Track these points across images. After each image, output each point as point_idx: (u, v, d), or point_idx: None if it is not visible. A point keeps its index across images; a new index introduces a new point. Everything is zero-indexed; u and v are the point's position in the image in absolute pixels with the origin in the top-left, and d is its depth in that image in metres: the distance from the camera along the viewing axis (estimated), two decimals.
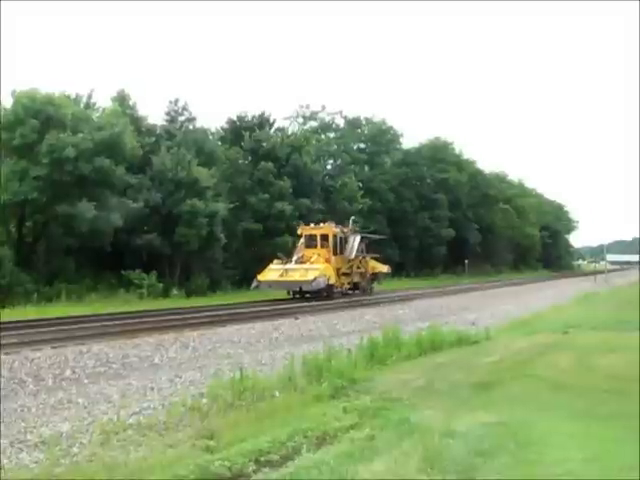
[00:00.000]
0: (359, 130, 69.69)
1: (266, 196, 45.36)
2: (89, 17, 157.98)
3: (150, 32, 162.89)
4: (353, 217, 39.66)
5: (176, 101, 46.14)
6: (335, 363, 11.97)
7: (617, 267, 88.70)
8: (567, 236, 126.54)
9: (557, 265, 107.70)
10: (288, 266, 31.48)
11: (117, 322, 19.66)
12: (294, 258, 32.37)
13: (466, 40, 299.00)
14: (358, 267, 35.83)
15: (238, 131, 50.74)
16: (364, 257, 36.69)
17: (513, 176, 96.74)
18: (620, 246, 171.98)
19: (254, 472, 6.97)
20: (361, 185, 58.30)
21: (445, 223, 67.37)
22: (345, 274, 34.59)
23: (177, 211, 36.46)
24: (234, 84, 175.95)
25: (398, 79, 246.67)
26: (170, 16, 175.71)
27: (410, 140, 76.84)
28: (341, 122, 69.37)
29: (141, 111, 42.42)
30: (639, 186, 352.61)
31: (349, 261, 34.89)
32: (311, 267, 30.95)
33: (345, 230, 35.81)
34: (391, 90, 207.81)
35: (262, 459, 7.30)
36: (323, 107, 68.23)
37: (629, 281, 61.33)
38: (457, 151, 76.58)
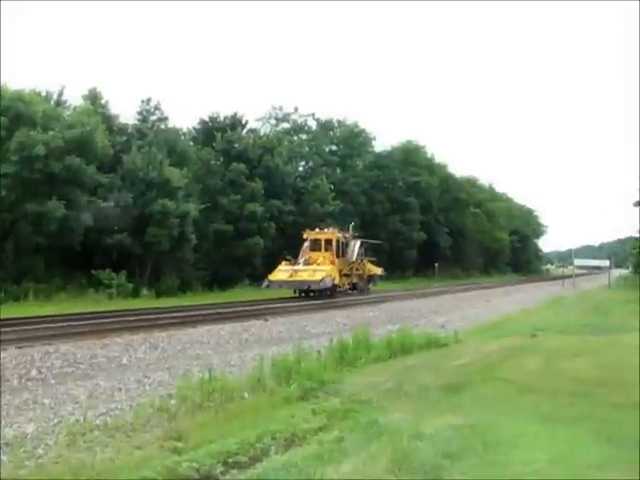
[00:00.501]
0: (331, 132, 69.69)
1: (238, 197, 45.32)
2: (60, 14, 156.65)
3: (123, 30, 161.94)
4: (352, 223, 42.42)
5: (148, 100, 45.94)
6: (304, 365, 11.98)
7: (585, 272, 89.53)
8: (536, 240, 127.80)
9: (526, 269, 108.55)
10: (296, 267, 34.35)
11: (86, 322, 19.48)
12: (301, 260, 35.54)
13: (437, 44, 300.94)
14: (357, 269, 39.15)
15: (210, 132, 50.63)
16: (362, 260, 39.92)
17: (484, 180, 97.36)
18: (588, 251, 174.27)
19: (222, 474, 6.96)
20: (333, 187, 58.47)
21: (416, 226, 67.61)
22: (346, 275, 37.67)
23: (148, 211, 36.23)
24: (207, 84, 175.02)
25: (371, 82, 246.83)
26: (143, 15, 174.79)
27: (382, 143, 76.92)
28: (313, 124, 69.43)
29: (113, 110, 42.06)
30: (606, 192, 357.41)
31: (350, 263, 38.19)
32: (318, 268, 33.94)
33: (346, 235, 39.12)
34: (364, 93, 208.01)
35: (230, 460, 7.29)
36: (296, 109, 68.25)
37: (596, 285, 62.07)
38: (429, 155, 76.88)
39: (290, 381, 11.16)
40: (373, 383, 11.43)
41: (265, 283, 34.19)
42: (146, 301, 31.05)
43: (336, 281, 34.67)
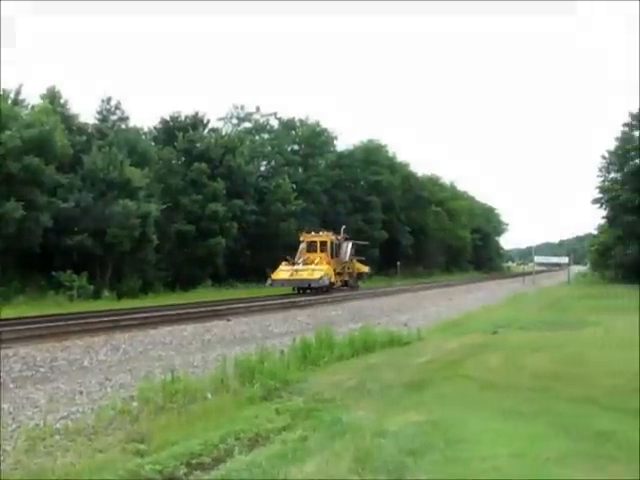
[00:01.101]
0: (293, 132, 69.58)
1: (199, 197, 45.16)
2: (17, 11, 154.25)
3: (82, 28, 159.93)
4: (344, 226, 46.21)
5: (108, 100, 45.28)
6: (268, 365, 11.95)
7: (545, 269, 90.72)
8: (497, 238, 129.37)
9: (487, 267, 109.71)
10: (296, 267, 37.82)
11: (46, 324, 19.17)
12: (299, 260, 39.01)
13: (397, 43, 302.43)
14: (348, 268, 43.16)
15: (171, 131, 50.34)
16: (352, 260, 44.20)
17: (445, 179, 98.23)
18: (548, 248, 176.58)
19: (185, 475, 6.92)
20: (295, 187, 58.40)
21: (378, 225, 67.78)
22: (339, 273, 41.33)
23: (109, 211, 35.77)
24: (168, 84, 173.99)
25: (332, 81, 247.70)
26: (103, 14, 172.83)
27: (344, 142, 77.12)
28: (275, 124, 69.31)
29: (72, 109, 41.48)
30: (566, 190, 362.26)
31: (342, 263, 42.14)
32: (317, 268, 37.41)
33: (339, 237, 43.02)
34: (325, 92, 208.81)
35: (194, 462, 7.26)
36: (257, 108, 68.10)
37: (556, 282, 62.89)
38: (390, 154, 77.12)
39: (253, 381, 11.12)
40: (336, 382, 11.46)
41: (269, 282, 37.63)
42: (107, 303, 30.67)
43: (332, 279, 38.44)
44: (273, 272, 38.02)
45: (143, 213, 37.14)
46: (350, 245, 43.78)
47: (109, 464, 7.05)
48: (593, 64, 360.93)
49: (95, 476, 6.62)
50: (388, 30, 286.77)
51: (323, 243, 40.90)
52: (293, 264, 38.40)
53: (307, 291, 37.06)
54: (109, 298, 33.49)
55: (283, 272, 37.65)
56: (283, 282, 37.36)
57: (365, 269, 47.46)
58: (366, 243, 52.61)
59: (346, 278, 42.66)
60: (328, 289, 37.49)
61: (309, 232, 42.52)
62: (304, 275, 36.71)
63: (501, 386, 10.74)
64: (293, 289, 38.11)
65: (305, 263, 38.61)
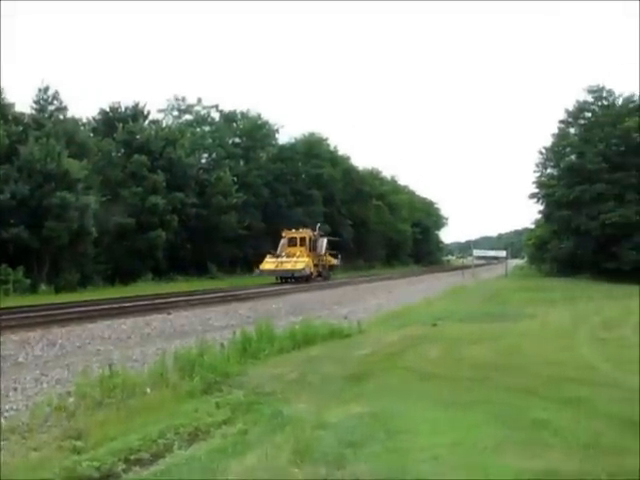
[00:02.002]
0: (234, 124, 69.26)
1: (139, 189, 44.70)
2: None
3: (18, 15, 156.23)
4: (319, 224, 53.05)
5: (46, 89, 44.16)
6: (208, 358, 11.85)
7: (483, 262, 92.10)
8: (437, 232, 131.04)
9: (428, 260, 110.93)
10: (281, 259, 43.78)
11: None
12: (283, 253, 44.76)
13: (338, 36, 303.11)
14: (322, 261, 49.01)
15: (111, 122, 49.70)
16: (326, 253, 50.01)
17: (386, 173, 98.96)
18: (486, 242, 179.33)
19: (124, 471, 6.80)
20: (236, 180, 58.27)
21: (319, 218, 67.81)
22: (316, 265, 46.85)
23: (46, 204, 35.09)
24: (108, 73, 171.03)
25: (274, 74, 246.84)
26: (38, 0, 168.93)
27: (286, 135, 77.13)
28: (217, 116, 68.94)
29: (7, 98, 40.46)
30: (504, 185, 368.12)
31: (318, 256, 47.95)
32: (299, 260, 43.53)
33: (315, 234, 49.04)
34: (267, 85, 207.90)
35: (132, 458, 7.14)
36: (199, 100, 67.66)
37: (494, 275, 63.93)
38: (332, 147, 77.48)
39: (193, 375, 11.01)
40: (277, 375, 11.43)
41: (257, 272, 44.02)
42: (44, 297, 30.09)
43: (311, 270, 44.49)
44: (260, 264, 43.80)
45: (82, 206, 36.54)
46: (325, 241, 50.07)
47: (44, 462, 6.89)
48: (533, 59, 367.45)
49: (30, 475, 6.46)
50: (326, 21, 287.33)
51: (302, 239, 46.94)
52: (277, 257, 44.14)
53: (289, 280, 42.29)
54: (46, 292, 32.89)
55: (269, 263, 43.59)
56: (269, 272, 43.34)
57: (335, 262, 52.87)
58: (337, 239, 57.56)
59: (320, 269, 48.12)
60: (308, 278, 43.10)
61: (290, 229, 48.19)
62: (288, 266, 42.73)
63: (441, 377, 10.85)
64: (276, 279, 43.41)
65: (288, 256, 44.21)
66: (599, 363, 12.13)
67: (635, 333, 16.31)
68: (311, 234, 48.20)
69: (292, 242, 46.58)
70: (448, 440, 6.86)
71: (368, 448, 6.69)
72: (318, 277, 46.80)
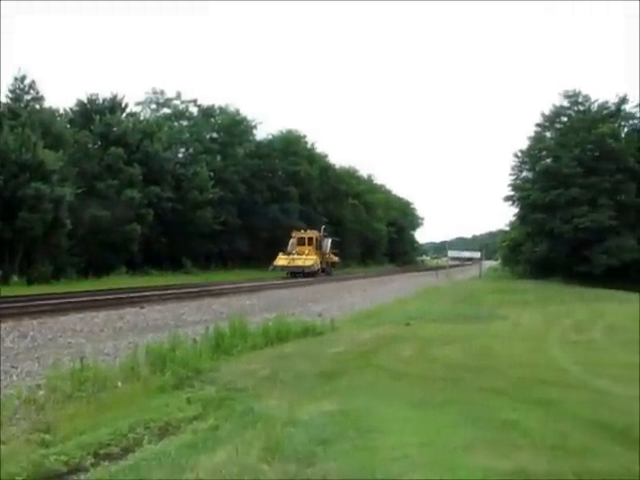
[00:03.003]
0: (212, 119, 68.98)
1: (115, 182, 44.42)
2: None
3: None
4: (324, 226, 60.60)
5: (22, 78, 43.58)
6: (180, 353, 11.80)
7: (458, 263, 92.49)
8: (412, 232, 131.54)
9: (402, 260, 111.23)
10: (292, 257, 50.30)
11: None
12: (293, 251, 51.44)
13: (318, 33, 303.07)
14: (327, 258, 55.60)
15: (88, 114, 49.33)
16: (329, 252, 56.65)
17: (363, 172, 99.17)
18: (461, 243, 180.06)
19: (92, 466, 6.76)
20: (212, 175, 58.09)
21: (295, 216, 67.92)
22: (321, 262, 52.82)
23: (20, 194, 34.70)
24: (86, 64, 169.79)
25: (252, 69, 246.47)
26: None
27: (263, 132, 76.99)
28: (195, 110, 68.64)
29: None
30: (479, 187, 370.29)
31: (323, 254, 54.55)
32: (308, 257, 50.31)
33: (321, 234, 56.01)
34: (245, 80, 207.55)
35: (101, 452, 7.11)
36: (178, 94, 67.28)
37: (468, 276, 64.28)
38: (309, 144, 77.42)
39: (165, 370, 10.97)
40: (249, 371, 11.42)
41: (271, 267, 49.72)
42: (16, 288, 29.77)
43: (318, 266, 50.97)
44: (274, 260, 50.00)
45: (56, 197, 36.23)
46: (329, 241, 57.07)
47: (12, 456, 6.80)
48: (512, 62, 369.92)
49: None
50: (305, 18, 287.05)
51: (310, 239, 53.73)
52: (289, 254, 50.71)
53: (297, 275, 48.06)
54: (18, 284, 32.55)
55: (282, 260, 50.05)
56: (283, 267, 49.63)
57: (336, 259, 59.64)
58: (338, 239, 63.27)
59: (324, 266, 53.93)
60: (315, 274, 49.30)
61: (299, 230, 55.27)
62: (299, 263, 49.35)
63: (413, 376, 10.90)
64: (287, 273, 49.10)
65: (298, 254, 50.76)
66: (569, 365, 12.25)
67: (604, 336, 16.52)
68: (318, 235, 55.20)
69: (301, 241, 53.26)
70: (418, 439, 6.89)
71: (338, 446, 6.71)
72: (322, 272, 52.31)
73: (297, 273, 48.66)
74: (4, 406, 8.91)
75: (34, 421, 8.29)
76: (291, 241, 53.29)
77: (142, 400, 9.41)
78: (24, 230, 34.97)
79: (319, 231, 56.45)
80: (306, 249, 52.04)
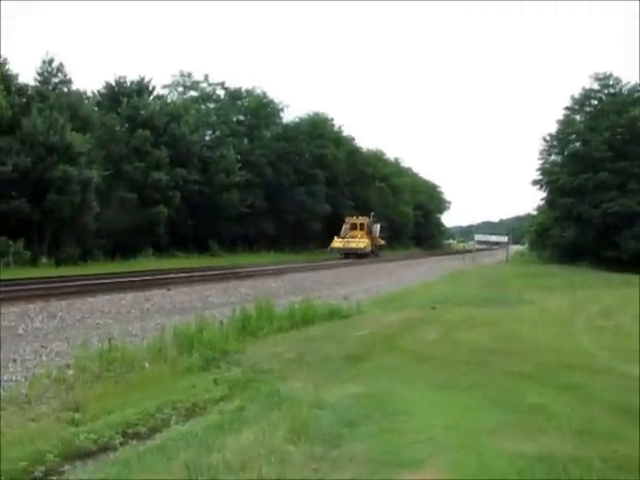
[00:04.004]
0: (239, 102, 68.91)
1: (142, 165, 44.60)
2: None
3: None
4: (372, 213, 64.58)
5: (50, 61, 43.70)
6: (206, 335, 11.89)
7: (484, 247, 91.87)
8: (439, 216, 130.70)
9: (429, 244, 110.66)
10: (347, 240, 55.98)
11: None
12: (347, 235, 57.27)
13: (346, 17, 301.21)
14: (375, 241, 60.65)
15: (116, 97, 49.53)
16: (377, 236, 62.06)
17: (390, 155, 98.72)
18: (488, 227, 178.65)
19: (121, 444, 6.87)
20: (239, 158, 58.07)
21: (321, 199, 67.85)
22: (371, 245, 57.57)
23: (48, 177, 34.99)
24: (114, 47, 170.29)
25: (281, 52, 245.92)
26: None
27: (290, 114, 76.89)
28: (222, 93, 68.63)
29: (11, 69, 40.14)
30: (507, 170, 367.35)
31: (373, 238, 59.62)
32: (361, 240, 56.05)
33: (370, 220, 61.26)
34: (273, 63, 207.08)
35: (129, 431, 7.23)
36: (206, 77, 67.33)
37: (495, 260, 63.93)
38: (336, 127, 77.21)
39: (192, 351, 11.07)
40: (275, 353, 11.48)
41: (329, 249, 55.18)
42: (45, 270, 30.11)
43: (369, 249, 56.16)
44: (331, 243, 55.47)
45: (84, 179, 36.48)
46: (379, 226, 63.20)
47: (42, 433, 6.93)
48: (541, 45, 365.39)
49: (28, 446, 6.49)
50: (335, 4, 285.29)
51: (362, 224, 59.44)
52: (343, 238, 56.39)
53: (350, 257, 52.08)
54: (47, 265, 32.93)
55: (338, 243, 55.44)
56: (338, 249, 54.82)
57: (382, 242, 65.11)
58: (384, 225, 68.16)
59: (373, 248, 58.81)
60: (367, 255, 54.25)
61: (351, 216, 61.17)
62: (353, 245, 54.91)
63: (438, 360, 10.90)
64: (341, 254, 53.74)
65: (351, 237, 56.74)
66: (596, 350, 12.18)
67: (632, 322, 16.37)
68: (368, 220, 60.69)
69: (354, 227, 58.94)
70: (444, 422, 6.90)
71: (364, 428, 6.74)
72: (372, 254, 57.14)
73: (350, 254, 52.95)
74: (34, 385, 9.05)
75: (64, 400, 8.41)
76: (344, 226, 58.82)
77: (169, 381, 9.52)
78: (52, 212, 35.28)
79: (369, 217, 61.70)
80: (358, 233, 57.84)
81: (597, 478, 5.43)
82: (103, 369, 9.85)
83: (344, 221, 60.00)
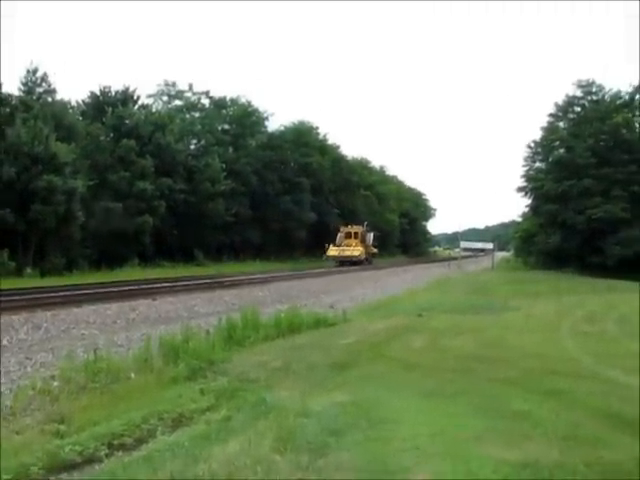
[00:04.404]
0: (224, 111, 69.00)
1: (127, 174, 44.54)
2: None
3: None
4: (366, 222, 65.98)
5: (34, 71, 43.71)
6: (192, 344, 11.87)
7: (470, 254, 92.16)
8: (425, 223, 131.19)
9: (415, 251, 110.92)
10: (342, 248, 57.17)
11: None
12: (342, 244, 58.36)
13: (329, 24, 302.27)
14: (369, 249, 61.95)
15: (100, 106, 49.47)
16: (371, 244, 63.58)
17: (375, 163, 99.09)
18: (473, 234, 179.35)
19: (106, 456, 6.83)
20: (225, 166, 58.02)
21: (307, 207, 67.96)
22: (364, 253, 58.66)
23: (33, 187, 34.81)
24: (98, 56, 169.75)
25: (265, 61, 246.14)
26: None
27: (275, 123, 76.91)
28: (207, 102, 68.70)
29: None
30: (492, 178, 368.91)
31: (366, 246, 60.69)
32: (355, 249, 57.21)
33: (364, 229, 62.47)
34: (258, 72, 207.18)
35: (115, 442, 7.18)
36: (190, 86, 67.39)
37: (480, 267, 64.14)
38: (321, 136, 77.36)
39: (178, 361, 11.04)
40: (261, 362, 11.46)
41: (324, 257, 56.23)
42: (30, 280, 29.94)
43: (364, 257, 57.66)
44: (327, 251, 56.27)
45: (69, 189, 36.34)
46: (372, 235, 64.81)
47: (27, 446, 6.88)
48: (524, 52, 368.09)
49: (12, 458, 6.44)
50: (317, 9, 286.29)
51: (356, 233, 60.56)
52: (339, 246, 57.58)
53: (346, 264, 53.12)
54: (32, 275, 32.74)
55: (333, 251, 56.57)
56: (333, 258, 55.80)
57: (375, 251, 66.05)
58: (378, 233, 71.55)
59: (367, 256, 60.04)
60: (361, 263, 55.61)
61: (346, 225, 62.80)
62: (348, 253, 56.25)
63: (424, 367, 10.93)
64: (336, 263, 54.48)
65: (345, 246, 57.91)
66: (581, 356, 12.25)
67: (617, 327, 16.48)
68: (362, 229, 62.02)
69: (348, 235, 60.18)
70: (430, 430, 6.91)
71: (350, 436, 6.73)
72: (366, 262, 58.55)
73: (345, 262, 54.30)
74: (19, 397, 8.99)
75: (48, 412, 8.37)
76: (339, 235, 60.31)
77: (155, 391, 9.49)
78: (37, 222, 35.11)
79: (362, 226, 63.12)
80: (353, 242, 59.15)
81: None
82: (88, 380, 9.81)
83: (339, 230, 61.44)
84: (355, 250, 56.96)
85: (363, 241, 60.83)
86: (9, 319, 15.96)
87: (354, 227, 61.88)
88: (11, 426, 7.86)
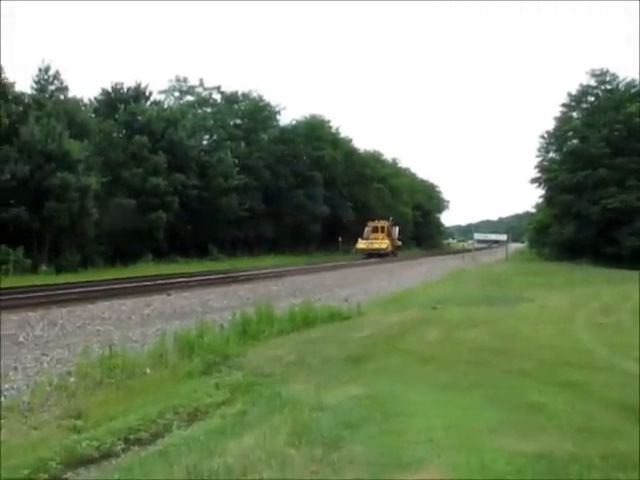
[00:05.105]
0: (236, 106, 68.88)
1: (140, 170, 44.54)
2: None
3: None
4: (391, 217, 70.11)
5: (47, 69, 43.64)
6: (207, 339, 11.92)
7: (484, 246, 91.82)
8: (438, 215, 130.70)
9: (428, 243, 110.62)
10: (370, 241, 61.98)
11: None
12: (370, 237, 62.91)
13: (340, 16, 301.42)
14: (394, 243, 66.48)
15: (113, 103, 49.47)
16: (396, 238, 68.70)
17: (387, 155, 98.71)
18: (487, 226, 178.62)
19: (123, 451, 6.89)
20: (237, 161, 58.03)
21: (320, 201, 67.87)
22: (390, 246, 63.59)
23: (47, 184, 34.93)
24: (110, 53, 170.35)
25: (277, 54, 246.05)
26: None
27: (287, 117, 76.82)
28: (218, 97, 68.59)
29: (7, 78, 40.04)
30: (505, 169, 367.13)
31: (392, 239, 65.64)
32: (383, 242, 62.16)
33: (390, 223, 67.06)
34: (269, 66, 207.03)
35: (131, 437, 7.25)
36: (201, 81, 67.28)
37: (494, 259, 63.90)
38: (333, 129, 77.09)
39: (193, 356, 11.10)
40: (276, 356, 11.49)
41: (354, 250, 61.12)
42: (45, 277, 30.09)
43: (390, 249, 62.59)
44: (356, 244, 61.71)
45: (82, 186, 36.42)
46: (397, 229, 70.43)
47: (44, 441, 6.95)
48: (538, 42, 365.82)
49: (30, 453, 6.51)
50: (328, 3, 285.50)
51: (382, 227, 64.97)
52: (367, 239, 62.31)
53: (373, 256, 57.42)
54: (47, 272, 32.88)
55: (362, 244, 61.53)
56: (362, 250, 60.43)
57: (400, 244, 71.50)
58: (401, 228, 75.30)
59: (392, 249, 64.57)
60: (388, 255, 60.26)
61: (373, 220, 65.77)
62: (376, 246, 60.85)
63: (439, 360, 10.91)
64: (364, 255, 58.82)
65: (373, 239, 62.51)
66: (596, 347, 12.21)
67: (632, 318, 16.39)
68: (388, 224, 66.42)
69: (375, 229, 64.36)
70: (444, 423, 6.91)
71: (365, 430, 6.75)
72: (392, 254, 62.96)
73: (373, 254, 58.41)
74: (36, 393, 9.06)
75: (65, 407, 8.44)
76: (366, 229, 64.23)
77: (171, 386, 9.54)
78: (51, 220, 35.24)
79: (388, 221, 67.14)
80: (379, 235, 63.67)
81: (597, 476, 5.45)
82: (104, 376, 9.88)
83: (366, 224, 64.84)
84: (382, 243, 61.64)
85: (389, 235, 65.33)
86: (25, 316, 16.10)
87: (380, 222, 65.74)
88: (29, 422, 7.95)
